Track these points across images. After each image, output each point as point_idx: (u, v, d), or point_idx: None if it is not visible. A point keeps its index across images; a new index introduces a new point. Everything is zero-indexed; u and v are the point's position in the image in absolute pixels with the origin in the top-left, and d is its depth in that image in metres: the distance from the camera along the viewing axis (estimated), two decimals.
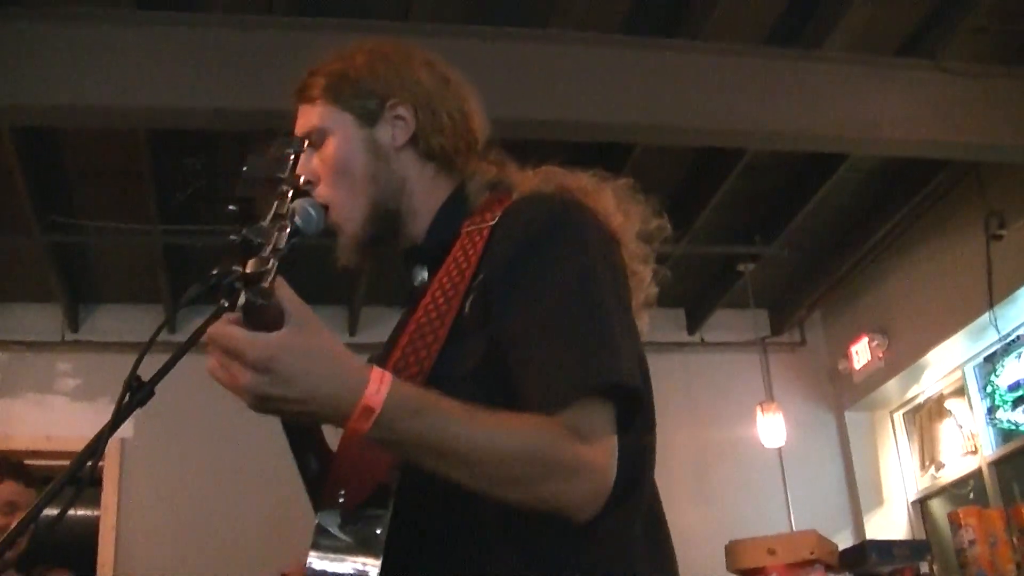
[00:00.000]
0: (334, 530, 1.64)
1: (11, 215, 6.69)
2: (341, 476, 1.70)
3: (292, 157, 1.41)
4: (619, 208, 1.89)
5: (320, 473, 1.75)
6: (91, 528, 7.77)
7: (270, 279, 1.34)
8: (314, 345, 1.42)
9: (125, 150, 6.29)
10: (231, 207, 1.35)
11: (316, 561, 1.63)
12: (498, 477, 1.53)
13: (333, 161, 1.92)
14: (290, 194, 1.39)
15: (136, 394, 1.64)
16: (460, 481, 1.53)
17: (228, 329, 1.39)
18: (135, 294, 7.95)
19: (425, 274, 1.94)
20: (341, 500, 1.66)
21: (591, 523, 1.58)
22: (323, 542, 1.64)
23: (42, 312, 8.05)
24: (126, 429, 7.45)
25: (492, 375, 1.63)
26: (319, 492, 1.72)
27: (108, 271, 7.83)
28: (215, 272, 1.55)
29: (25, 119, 5.67)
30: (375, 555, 1.59)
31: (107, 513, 7.72)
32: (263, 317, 1.38)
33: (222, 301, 1.49)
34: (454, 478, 1.52)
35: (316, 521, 1.66)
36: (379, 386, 1.45)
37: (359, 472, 1.67)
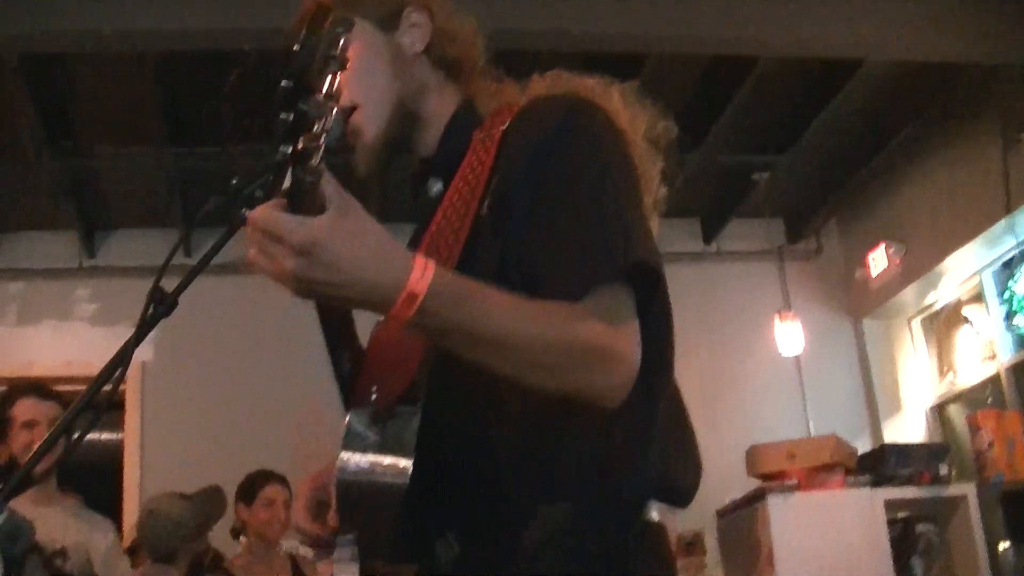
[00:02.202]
0: (365, 429, 1.66)
1: (22, 144, 6.70)
2: (373, 373, 1.72)
3: (343, 37, 1.40)
4: (626, 109, 1.90)
5: (352, 370, 1.77)
6: (115, 452, 7.85)
7: (320, 156, 1.34)
8: (358, 229, 1.43)
9: (133, 75, 6.28)
10: (285, 82, 1.34)
11: (347, 460, 1.64)
12: (533, 364, 1.55)
13: (357, 65, 1.91)
14: (339, 75, 1.39)
15: (159, 306, 1.65)
16: (495, 367, 1.55)
17: (271, 213, 1.38)
18: (150, 218, 7.96)
19: (440, 185, 1.96)
20: (373, 397, 1.68)
21: (618, 412, 1.61)
22: (354, 441, 1.65)
23: (58, 240, 8.09)
24: (145, 352, 7.55)
25: (514, 273, 1.65)
26: (351, 390, 1.74)
27: (122, 197, 7.84)
28: (235, 182, 1.56)
29: (33, 47, 5.66)
30: (407, 453, 1.61)
31: (130, 436, 7.80)
32: (309, 200, 1.38)
33: (244, 211, 1.49)
34: (489, 365, 1.55)
35: (347, 420, 1.68)
36: (423, 272, 1.46)
37: (390, 369, 1.70)
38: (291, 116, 1.33)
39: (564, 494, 1.69)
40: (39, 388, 4.08)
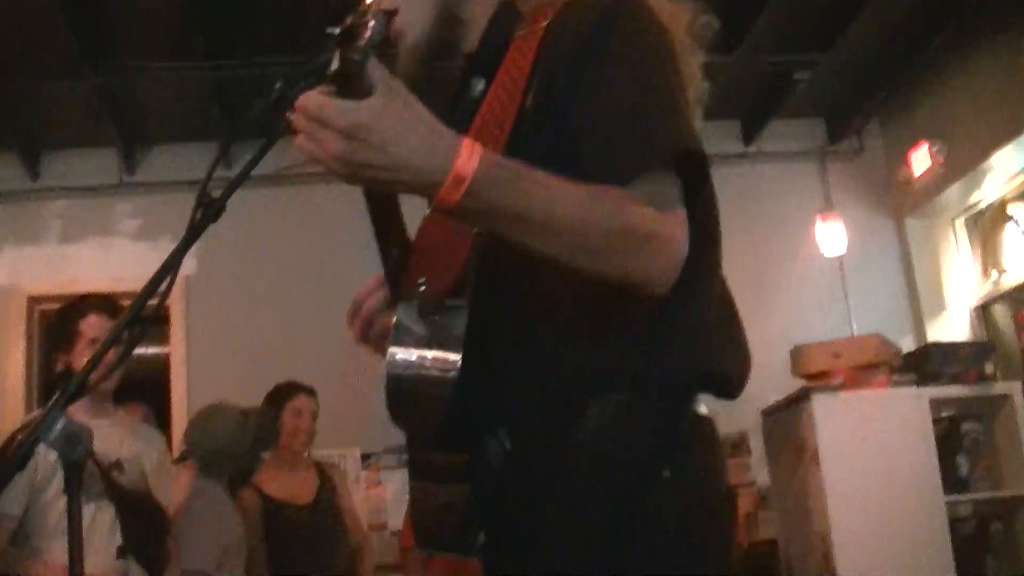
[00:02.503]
0: (413, 322, 1.67)
1: (59, 61, 6.69)
2: (421, 266, 1.74)
3: None
4: (668, 3, 1.90)
5: (400, 262, 1.78)
6: (161, 365, 7.94)
7: (368, 37, 1.34)
8: (406, 112, 1.44)
9: None
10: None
11: (396, 355, 1.65)
12: (581, 247, 1.55)
13: None
14: None
15: (208, 210, 1.66)
16: (541, 251, 1.55)
17: (317, 97, 1.40)
18: (190, 132, 7.97)
19: (483, 84, 1.96)
20: (421, 289, 1.69)
21: (667, 303, 1.62)
22: (402, 335, 1.66)
23: (98, 157, 8.11)
24: (189, 265, 7.59)
25: (560, 163, 1.65)
26: (399, 282, 1.74)
27: (161, 112, 7.84)
28: (278, 85, 1.56)
29: None
30: (456, 347, 1.62)
31: (176, 349, 7.88)
32: (357, 82, 1.38)
33: (289, 114, 1.50)
34: (536, 248, 1.55)
35: (395, 314, 1.69)
36: (470, 154, 1.47)
37: (439, 262, 1.71)
38: (336, 28, 1.34)
39: (614, 386, 1.70)
40: (111, 306, 4.02)
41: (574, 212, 1.53)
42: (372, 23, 1.34)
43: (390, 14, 1.87)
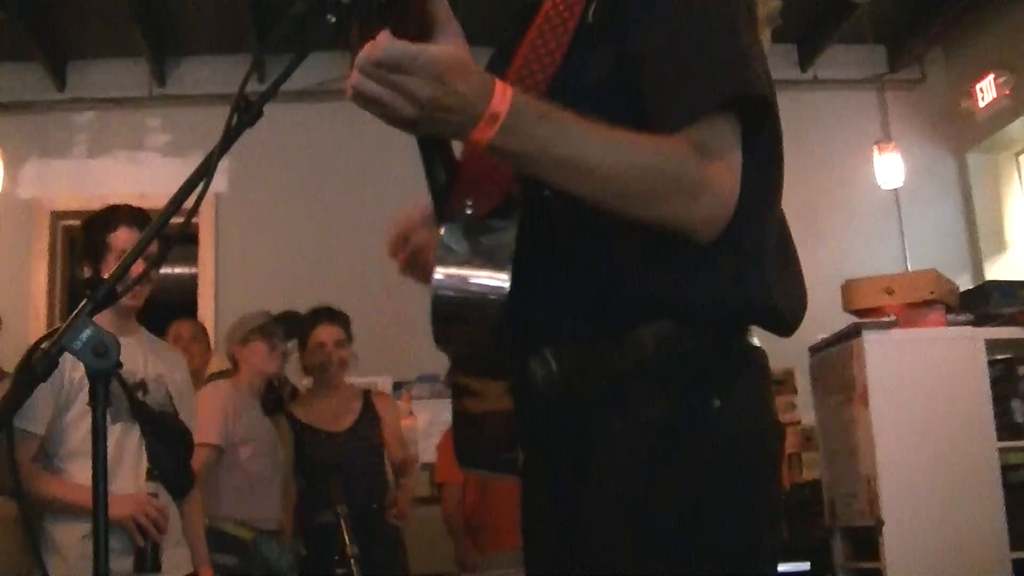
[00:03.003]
0: (459, 243, 1.67)
1: None
2: (468, 185, 1.74)
3: None
4: None
5: (447, 183, 1.78)
6: (190, 285, 7.99)
7: None
8: (467, 55, 1.52)
9: None
10: None
11: (441, 274, 1.66)
12: (618, 191, 1.58)
13: None
14: None
15: (244, 115, 1.66)
16: (580, 194, 1.58)
17: (396, 43, 1.44)
18: (222, 44, 7.97)
19: None
20: (468, 211, 1.69)
21: (723, 235, 1.61)
22: (448, 255, 1.67)
23: (128, 67, 8.13)
24: (220, 183, 7.62)
25: (619, 88, 1.66)
26: (445, 203, 1.75)
27: (193, 21, 7.84)
28: None
29: None
30: (503, 268, 1.62)
31: (204, 269, 7.94)
32: (404, 8, 1.43)
33: (330, 17, 1.49)
34: (574, 191, 1.58)
35: (440, 233, 1.69)
36: (504, 93, 1.50)
37: (485, 182, 1.71)
38: None
39: (665, 312, 1.71)
40: (143, 218, 3.98)
41: (612, 156, 1.56)
42: None
43: None
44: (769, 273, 1.78)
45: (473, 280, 1.65)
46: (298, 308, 5.84)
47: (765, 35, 1.87)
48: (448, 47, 1.47)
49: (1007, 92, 7.99)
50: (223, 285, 7.87)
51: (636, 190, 1.58)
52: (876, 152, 7.79)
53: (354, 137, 7.72)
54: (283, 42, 1.69)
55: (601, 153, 1.55)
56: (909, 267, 7.99)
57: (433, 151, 1.76)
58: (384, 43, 1.43)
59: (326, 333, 5.70)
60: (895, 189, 8.00)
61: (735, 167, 1.64)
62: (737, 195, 1.63)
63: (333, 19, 1.55)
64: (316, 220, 7.93)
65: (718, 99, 1.63)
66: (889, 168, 7.74)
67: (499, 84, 1.51)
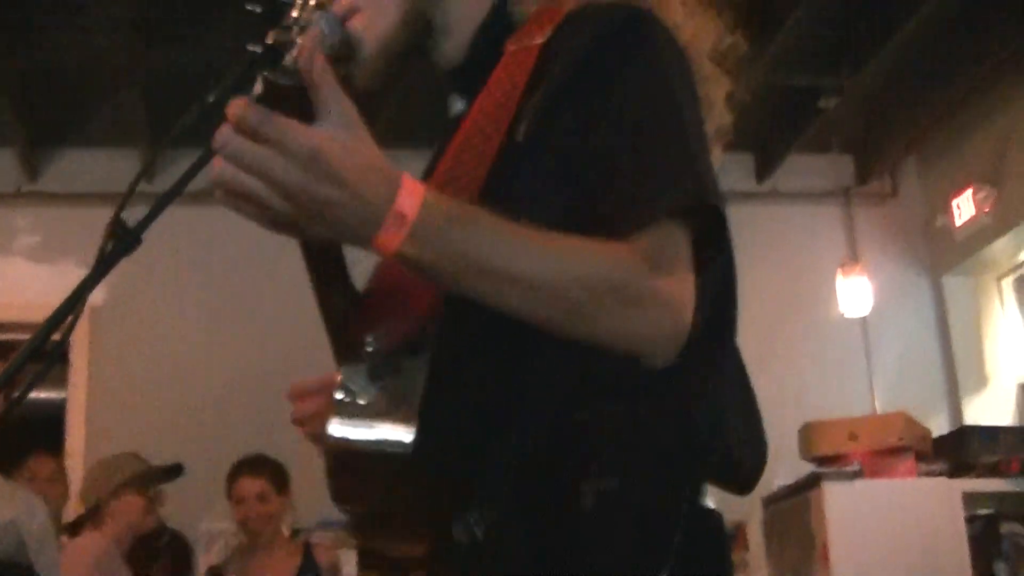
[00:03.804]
0: (360, 387, 1.64)
1: None
2: (372, 319, 1.71)
3: None
4: (687, 22, 1.90)
5: (346, 315, 1.76)
6: (57, 412, 7.87)
7: (295, 53, 1.33)
8: (357, 138, 1.43)
9: None
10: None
11: (338, 427, 1.63)
12: (556, 303, 1.54)
13: None
14: None
15: (120, 242, 1.65)
16: (511, 309, 1.54)
17: (263, 110, 1.36)
18: (107, 134, 7.92)
19: (461, 104, 1.96)
20: (370, 349, 1.67)
21: (673, 376, 1.61)
22: (346, 403, 1.64)
23: None
24: (96, 296, 7.53)
25: (549, 209, 1.64)
26: (344, 339, 1.73)
27: (74, 105, 7.78)
28: (211, 98, 1.55)
29: None
30: (411, 416, 1.60)
31: (76, 392, 7.82)
32: (286, 106, 1.36)
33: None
34: (504, 305, 1.53)
35: (339, 378, 1.67)
36: (412, 189, 1.45)
37: (394, 313, 1.69)
38: (258, 6, 1.33)
39: (607, 470, 1.69)
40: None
41: (549, 262, 1.52)
42: (303, 22, 1.34)
43: (346, 14, 1.88)
44: (727, 421, 1.77)
45: (375, 431, 1.62)
46: (186, 442, 5.81)
47: (716, 152, 1.89)
48: (337, 124, 1.39)
49: (987, 208, 8.08)
50: (96, 413, 7.75)
51: (577, 301, 1.53)
52: (841, 275, 7.85)
53: (257, 245, 7.68)
54: (181, 139, 1.69)
55: (536, 259, 1.52)
56: (877, 405, 8.04)
57: (325, 275, 1.73)
58: (239, 108, 1.37)
59: (246, 487, 5.73)
60: (862, 317, 8.08)
61: (688, 282, 1.61)
62: (692, 310, 1.60)
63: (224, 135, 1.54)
64: (209, 339, 7.86)
65: (669, 206, 1.61)
66: (855, 293, 7.81)
67: (407, 179, 1.45)
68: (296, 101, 1.36)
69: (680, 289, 1.59)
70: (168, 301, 7.93)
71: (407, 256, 1.46)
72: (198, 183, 1.55)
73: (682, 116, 1.72)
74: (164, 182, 1.63)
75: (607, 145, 1.67)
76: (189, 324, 7.92)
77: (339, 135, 1.40)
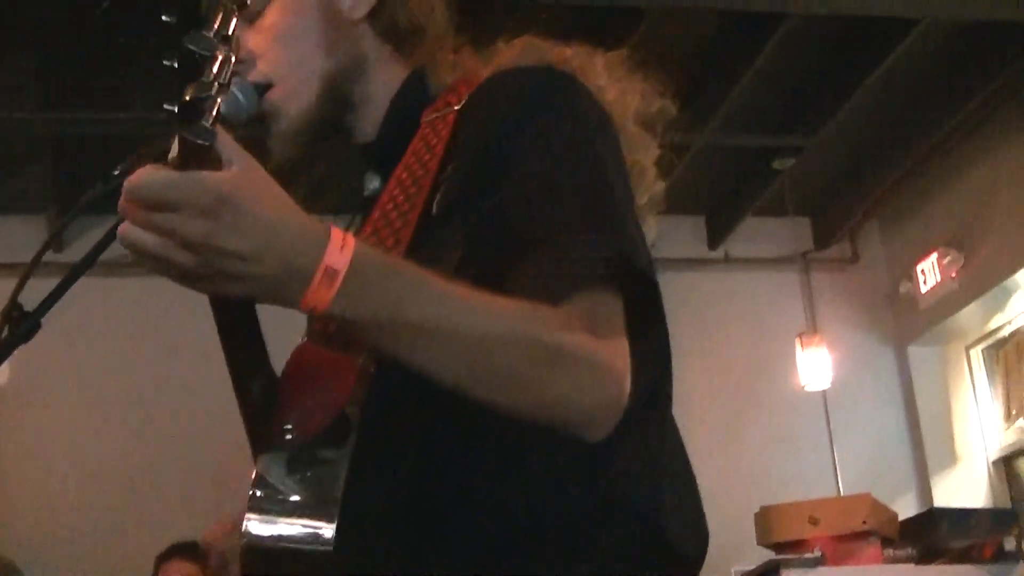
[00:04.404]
0: (278, 479, 1.63)
1: None
2: (291, 407, 1.70)
3: None
4: (612, 84, 1.93)
5: (264, 402, 1.74)
6: None
7: (215, 113, 1.33)
8: (268, 189, 1.42)
9: None
10: (166, 16, 1.34)
11: (254, 524, 1.62)
12: (491, 373, 1.54)
13: (280, 27, 1.95)
14: (235, 11, 1.37)
15: (17, 327, 1.64)
16: (442, 377, 1.53)
17: (158, 173, 1.35)
18: (8, 201, 7.89)
19: (378, 182, 1.97)
20: (288, 438, 1.66)
21: (605, 457, 1.63)
22: (263, 497, 1.63)
23: None
24: None
25: (478, 267, 1.64)
26: (261, 428, 1.72)
27: None
28: (118, 171, 1.55)
29: None
30: (329, 513, 1.59)
31: None
32: (201, 165, 1.36)
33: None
34: (435, 372, 1.52)
35: (255, 469, 1.66)
36: (342, 243, 1.44)
37: (314, 400, 1.68)
38: (175, 61, 1.33)
39: (536, 565, 1.69)
40: None
41: (483, 326, 1.52)
42: (219, 79, 1.34)
43: (264, 87, 1.90)
44: (664, 505, 1.76)
45: (294, 527, 1.62)
46: (99, 536, 5.79)
47: (649, 224, 1.90)
48: (236, 173, 1.38)
49: (954, 274, 8.16)
50: None
51: (510, 368, 1.54)
52: (799, 346, 7.88)
53: (173, 318, 7.63)
54: (91, 207, 1.68)
55: (470, 317, 1.51)
56: (841, 484, 8.05)
57: (242, 360, 1.72)
58: (141, 172, 1.36)
59: (174, 571, 5.73)
60: (823, 391, 8.11)
61: (623, 350, 1.61)
62: (628, 382, 1.59)
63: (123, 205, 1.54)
64: (121, 420, 7.79)
65: (598, 272, 1.61)
66: (815, 366, 7.83)
67: (336, 233, 1.44)
68: (212, 161, 1.36)
69: (616, 355, 1.59)
70: (77, 379, 7.86)
71: (339, 315, 1.46)
72: (114, 253, 1.53)
73: (608, 180, 1.73)
74: (75, 251, 1.63)
75: (529, 214, 1.68)
76: (100, 403, 7.84)
77: (247, 180, 1.39)
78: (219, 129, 1.36)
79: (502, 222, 1.69)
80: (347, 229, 2.03)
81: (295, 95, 1.93)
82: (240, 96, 1.79)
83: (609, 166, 1.76)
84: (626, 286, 1.64)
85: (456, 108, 1.87)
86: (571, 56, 1.95)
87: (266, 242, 1.39)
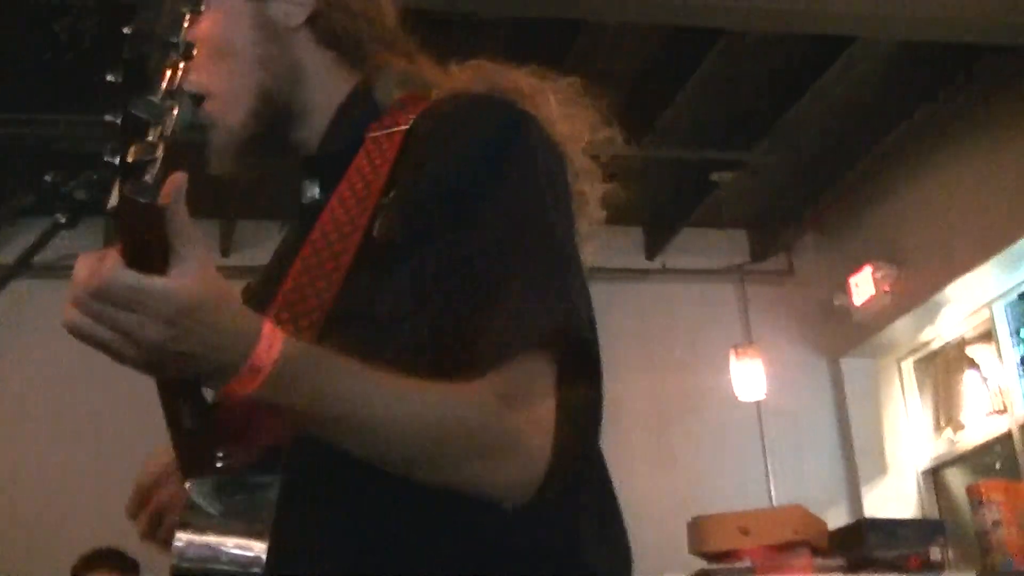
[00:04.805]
0: (209, 503, 1.63)
1: None
2: (222, 433, 1.70)
3: (187, 18, 1.38)
4: (563, 115, 1.92)
5: (195, 429, 1.74)
6: None
7: (156, 170, 1.32)
8: (218, 292, 1.45)
9: None
10: (111, 76, 1.33)
11: (185, 544, 1.62)
12: (407, 453, 1.58)
13: (212, 39, 1.91)
14: (181, 66, 1.37)
15: None
16: (363, 455, 1.57)
17: (125, 278, 1.38)
18: None
19: (317, 190, 1.95)
20: (219, 465, 1.66)
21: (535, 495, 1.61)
22: (194, 519, 1.63)
23: None
24: None
25: (416, 318, 1.66)
26: (192, 455, 1.71)
27: None
28: (48, 178, 1.54)
29: None
30: (261, 535, 1.59)
31: None
32: (140, 221, 1.36)
33: (58, 216, 1.48)
34: (355, 451, 1.56)
35: (187, 493, 1.66)
36: (271, 342, 1.47)
37: (244, 428, 1.67)
38: (119, 119, 1.32)
39: None
40: None
41: (401, 412, 1.55)
42: (165, 136, 1.33)
43: (199, 99, 1.88)
44: (586, 537, 1.77)
45: (223, 549, 1.61)
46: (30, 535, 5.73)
47: (587, 250, 1.89)
48: (194, 280, 1.42)
49: (887, 288, 8.20)
50: None
51: (429, 452, 1.57)
52: (733, 357, 7.89)
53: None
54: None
55: (388, 409, 1.54)
56: (774, 496, 8.08)
57: (173, 389, 1.72)
58: (106, 271, 1.38)
59: None
60: (757, 402, 8.12)
61: (547, 421, 1.63)
62: (548, 453, 1.61)
63: (63, 220, 1.53)
64: (37, 422, 7.70)
65: (528, 340, 1.62)
66: (750, 377, 7.84)
67: (266, 331, 1.48)
68: (151, 218, 1.36)
69: (537, 429, 1.61)
70: (14, 387, 7.79)
71: (260, 400, 1.49)
72: (51, 254, 1.54)
73: (553, 237, 1.73)
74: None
75: (475, 266, 1.68)
76: (27, 415, 7.77)
77: (199, 287, 1.42)
78: (178, 208, 1.37)
79: (448, 278, 1.68)
80: (281, 232, 2.04)
81: (230, 108, 1.90)
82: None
83: (556, 225, 1.75)
84: (561, 346, 1.65)
85: (404, 128, 1.85)
86: (523, 83, 1.93)
87: (210, 346, 1.44)
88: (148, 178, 1.32)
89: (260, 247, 7.38)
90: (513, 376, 1.60)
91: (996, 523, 5.80)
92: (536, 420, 1.62)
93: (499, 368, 1.60)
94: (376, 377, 1.55)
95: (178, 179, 1.38)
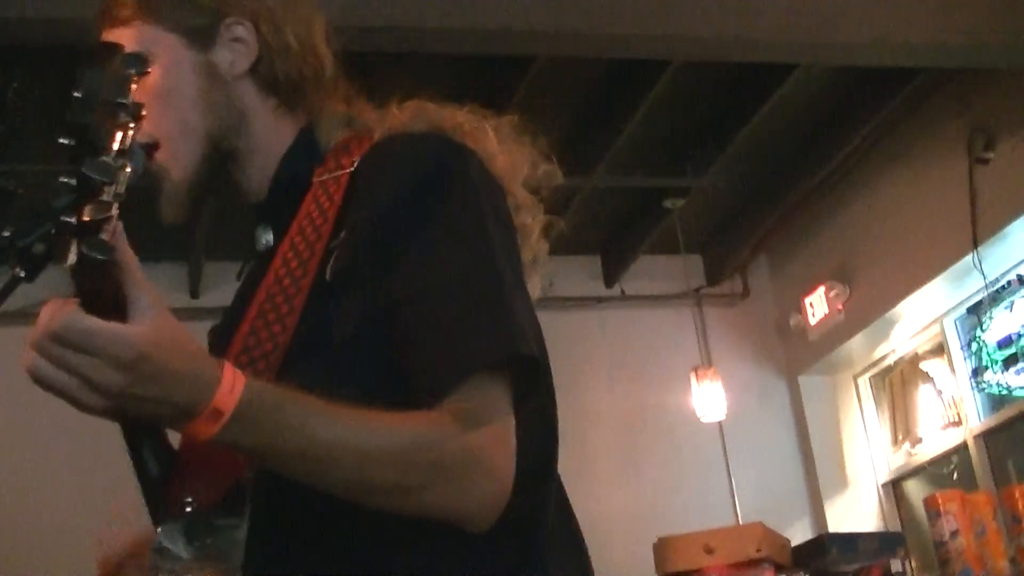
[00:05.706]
0: (179, 547, 1.63)
1: None
2: (188, 478, 1.70)
3: (135, 78, 1.39)
4: (502, 151, 1.93)
5: (162, 476, 1.74)
6: None
7: (112, 229, 1.33)
8: (175, 337, 1.46)
9: None
10: (63, 139, 1.33)
11: None
12: (371, 484, 1.58)
13: (158, 90, 1.89)
14: (131, 126, 1.38)
15: None
16: (329, 489, 1.57)
17: (83, 322, 1.39)
18: None
19: (270, 236, 1.95)
20: (188, 509, 1.66)
21: (493, 527, 1.62)
22: (165, 565, 1.63)
23: None
24: None
25: (372, 343, 1.67)
26: (160, 500, 1.71)
27: None
28: (6, 233, 1.54)
29: None
30: (232, 572, 1.60)
31: None
32: (98, 278, 1.38)
33: (17, 270, 1.48)
34: (321, 486, 1.57)
35: (156, 538, 1.66)
36: (232, 385, 1.48)
37: (211, 470, 1.68)
38: (73, 180, 1.33)
39: None
40: None
41: (362, 445, 1.56)
42: (119, 194, 1.34)
43: (149, 148, 1.88)
44: (548, 562, 1.78)
45: None
46: None
47: (534, 282, 1.91)
48: (151, 325, 1.43)
49: (840, 307, 8.24)
50: None
51: (392, 481, 1.57)
52: (694, 379, 7.89)
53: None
54: None
55: (350, 441, 1.55)
56: (739, 513, 8.08)
57: (138, 434, 1.72)
58: (65, 315, 1.39)
59: None
60: (718, 422, 8.11)
61: (508, 439, 1.64)
62: (513, 470, 1.62)
63: (22, 274, 1.53)
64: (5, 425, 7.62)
65: (479, 362, 1.64)
66: (710, 398, 7.83)
67: (227, 375, 1.49)
68: (107, 275, 1.38)
69: (499, 450, 1.63)
70: None
71: (221, 442, 1.50)
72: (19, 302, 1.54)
73: (495, 261, 1.74)
74: None
75: (420, 298, 1.69)
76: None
77: (155, 332, 1.43)
78: (127, 257, 1.39)
79: (397, 310, 1.69)
80: (240, 276, 2.05)
81: (179, 157, 1.90)
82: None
83: (499, 250, 1.76)
84: (511, 368, 1.67)
85: (349, 171, 1.86)
86: (463, 121, 1.93)
87: (169, 390, 1.45)
88: (104, 235, 1.33)
89: (229, 288, 7.32)
90: (468, 398, 1.61)
91: (954, 533, 5.82)
92: (497, 438, 1.63)
93: (453, 393, 1.61)
94: (336, 411, 1.56)
95: (118, 229, 1.39)
